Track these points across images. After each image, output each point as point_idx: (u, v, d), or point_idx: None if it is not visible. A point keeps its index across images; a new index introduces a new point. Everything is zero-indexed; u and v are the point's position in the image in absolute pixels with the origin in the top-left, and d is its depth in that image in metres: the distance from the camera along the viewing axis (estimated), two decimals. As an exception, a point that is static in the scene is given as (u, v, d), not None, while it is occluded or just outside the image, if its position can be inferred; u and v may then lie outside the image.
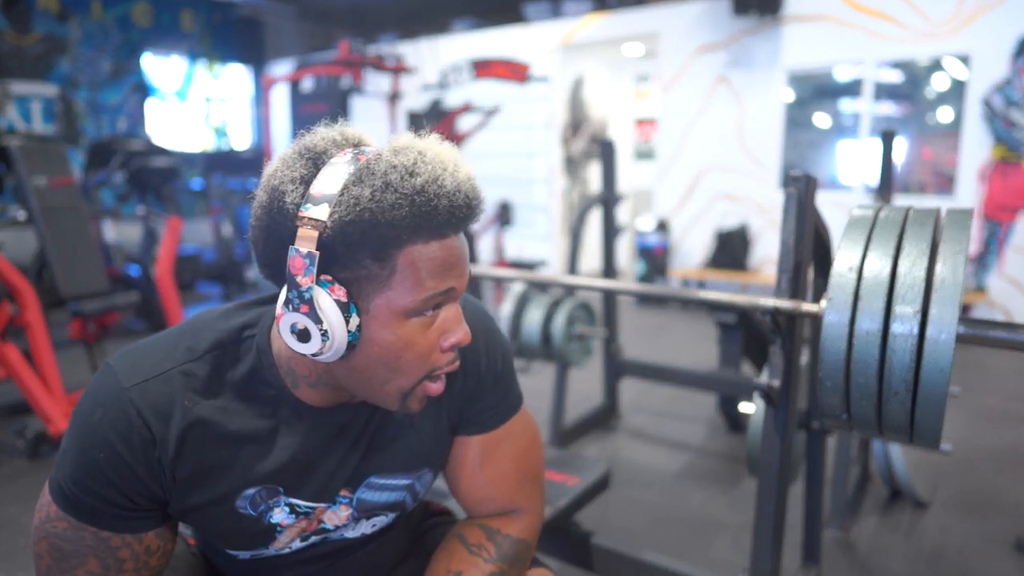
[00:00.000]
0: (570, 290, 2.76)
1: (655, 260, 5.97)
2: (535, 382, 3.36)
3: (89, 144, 6.36)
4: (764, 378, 1.30)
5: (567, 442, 2.78)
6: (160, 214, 4.37)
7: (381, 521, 0.83)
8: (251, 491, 0.72)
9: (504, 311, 2.56)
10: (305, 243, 0.61)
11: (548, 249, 6.87)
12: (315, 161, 0.64)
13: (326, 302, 0.62)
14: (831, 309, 0.94)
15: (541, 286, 2.68)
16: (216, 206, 5.98)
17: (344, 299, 0.62)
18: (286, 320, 0.64)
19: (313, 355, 0.64)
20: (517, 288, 2.60)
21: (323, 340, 0.63)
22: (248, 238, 0.67)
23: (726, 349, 2.82)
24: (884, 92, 5.15)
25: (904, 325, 0.88)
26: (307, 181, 0.63)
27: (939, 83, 4.99)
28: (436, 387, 0.70)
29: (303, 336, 0.63)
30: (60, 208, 2.94)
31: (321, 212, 0.60)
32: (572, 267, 2.81)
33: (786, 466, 1.33)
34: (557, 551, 1.77)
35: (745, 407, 1.69)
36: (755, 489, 1.37)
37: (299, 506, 0.75)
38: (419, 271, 0.63)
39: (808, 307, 1.22)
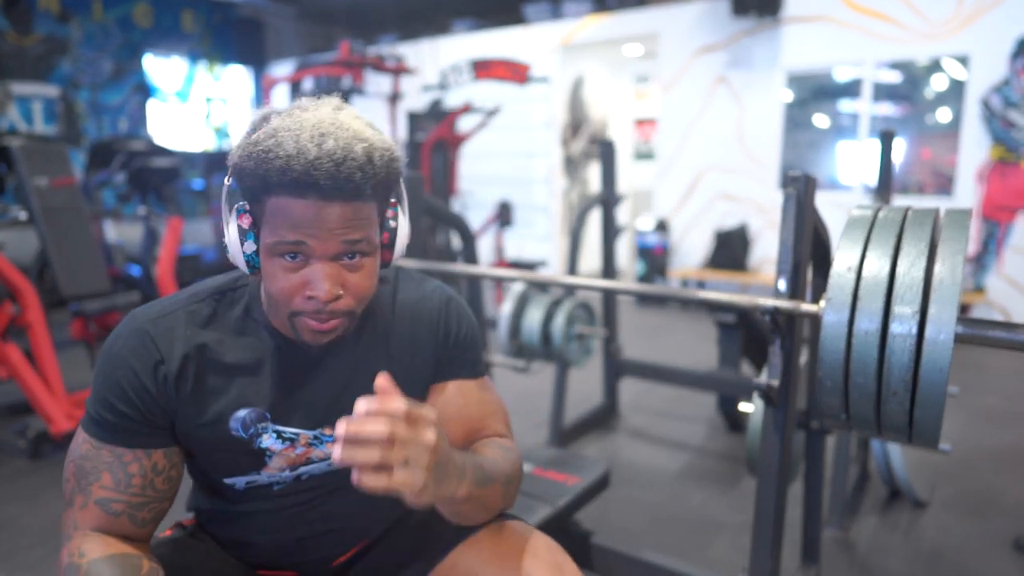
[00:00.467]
0: (570, 290, 2.77)
1: (655, 260, 5.98)
2: (535, 382, 3.37)
3: (90, 144, 6.37)
4: (764, 378, 1.31)
5: (567, 442, 2.79)
6: (161, 214, 4.38)
7: None
8: (242, 413, 0.83)
9: (504, 311, 2.57)
10: (228, 177, 0.78)
11: (548, 249, 6.88)
12: (266, 121, 0.76)
13: (231, 223, 0.77)
14: (830, 309, 0.95)
15: (541, 286, 2.69)
16: (217, 206, 5.98)
17: (246, 226, 0.76)
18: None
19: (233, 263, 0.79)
20: (517, 288, 2.61)
21: (227, 251, 0.78)
22: None
23: (726, 349, 2.83)
24: (883, 93, 5.16)
25: (903, 325, 0.88)
26: (249, 135, 0.76)
27: (938, 84, 4.99)
28: (317, 325, 0.78)
29: (226, 247, 0.79)
30: (61, 208, 2.95)
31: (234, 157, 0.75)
32: (572, 267, 2.81)
33: (785, 466, 1.34)
34: (557, 550, 1.77)
35: (745, 407, 1.70)
36: (755, 489, 1.38)
37: (284, 432, 0.85)
38: (274, 219, 0.74)
39: (807, 307, 1.22)
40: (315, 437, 0.87)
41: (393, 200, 0.82)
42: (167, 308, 0.83)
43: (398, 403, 0.65)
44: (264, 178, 0.71)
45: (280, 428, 0.85)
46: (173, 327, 0.81)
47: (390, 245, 0.82)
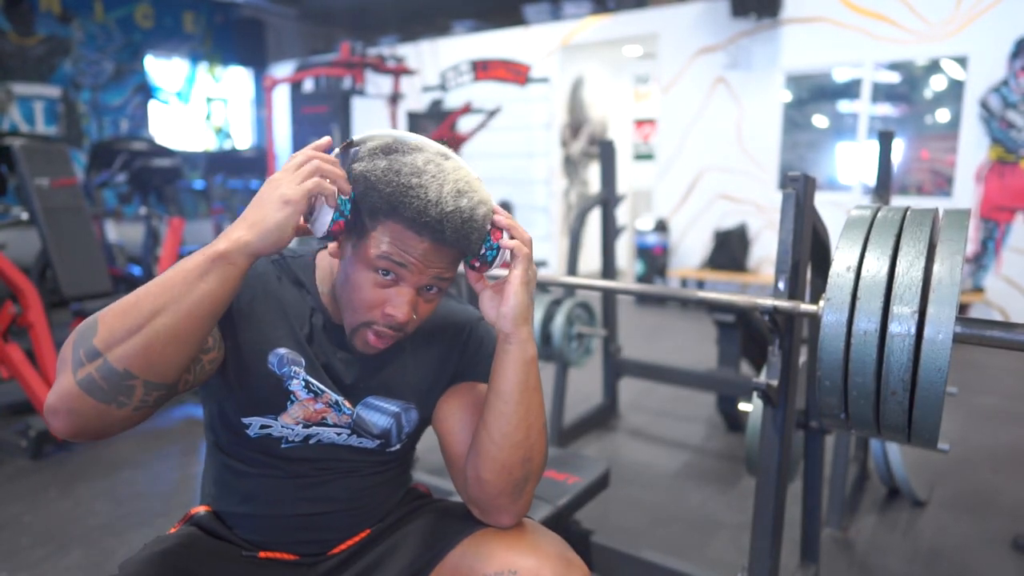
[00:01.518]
0: (570, 290, 2.78)
1: (654, 260, 5.99)
2: (535, 382, 3.37)
3: (91, 145, 6.37)
4: (763, 378, 1.31)
5: (567, 441, 2.80)
6: (162, 214, 4.38)
7: (367, 443, 0.96)
8: (282, 350, 0.89)
9: (505, 311, 2.57)
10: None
11: (548, 249, 6.89)
12: (400, 153, 0.85)
13: (326, 200, 0.80)
14: (829, 309, 0.95)
15: (541, 286, 2.69)
16: (218, 206, 5.99)
17: (347, 215, 0.81)
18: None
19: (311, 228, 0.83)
20: (518, 288, 2.61)
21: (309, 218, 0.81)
22: None
23: (725, 349, 2.84)
24: (882, 93, 5.17)
25: (902, 325, 0.89)
26: (387, 153, 0.85)
27: (937, 84, 5.00)
28: (375, 340, 0.86)
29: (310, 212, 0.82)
30: (62, 209, 2.95)
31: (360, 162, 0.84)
32: (572, 267, 2.82)
33: (785, 465, 1.34)
34: (558, 549, 1.78)
35: (744, 406, 1.71)
36: (754, 488, 1.38)
37: (312, 383, 0.90)
38: (384, 238, 0.81)
39: (806, 307, 1.23)
40: (336, 403, 0.92)
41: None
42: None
43: (513, 223, 0.86)
44: (396, 207, 0.79)
45: (310, 379, 0.90)
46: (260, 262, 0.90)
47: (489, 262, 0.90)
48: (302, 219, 0.81)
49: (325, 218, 0.80)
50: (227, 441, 0.94)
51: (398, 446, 0.98)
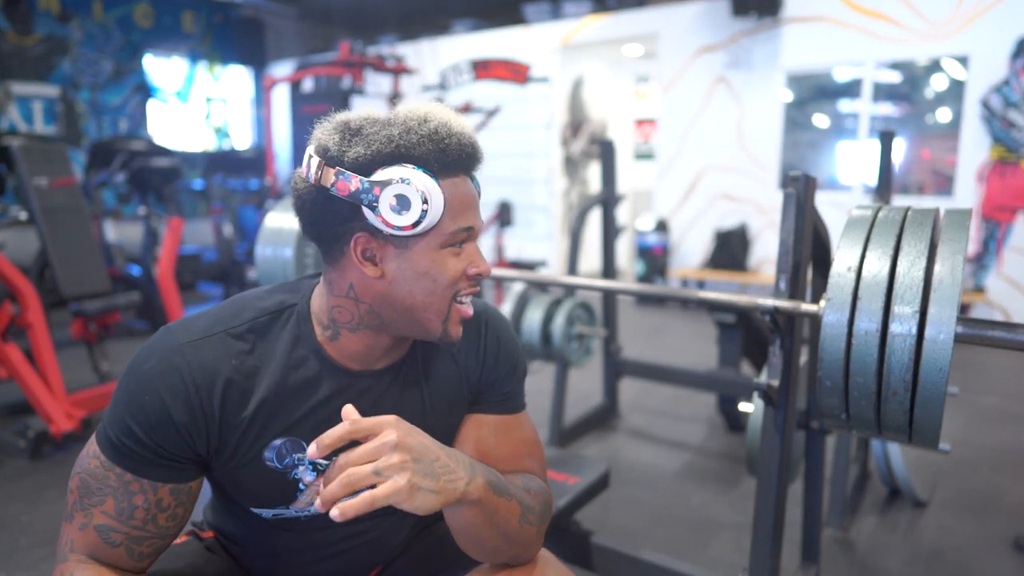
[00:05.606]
0: (570, 290, 2.77)
1: (655, 260, 5.98)
2: (535, 382, 3.36)
3: (90, 144, 6.36)
4: (763, 378, 1.31)
5: (567, 442, 2.79)
6: (161, 214, 4.38)
7: None
8: (277, 442, 0.78)
9: (504, 311, 2.57)
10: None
11: (548, 249, 6.88)
12: (372, 122, 0.77)
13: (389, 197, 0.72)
14: (830, 309, 0.95)
15: (541, 286, 2.69)
16: (217, 206, 5.98)
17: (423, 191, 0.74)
18: (387, 194, 0.71)
19: (411, 224, 0.72)
20: (517, 288, 2.61)
21: (423, 211, 0.72)
22: None
23: (725, 349, 2.83)
24: (883, 93, 5.16)
25: (903, 325, 0.88)
26: (365, 130, 0.77)
27: (938, 84, 5.00)
28: (466, 309, 0.80)
29: (403, 203, 0.72)
30: (61, 208, 2.95)
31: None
32: (572, 267, 2.81)
33: (785, 466, 1.34)
34: (557, 550, 1.77)
35: (744, 407, 1.70)
36: (754, 489, 1.38)
37: (319, 464, 0.81)
38: (448, 209, 0.75)
39: (807, 307, 1.22)
40: None
41: None
42: (206, 329, 0.77)
43: (336, 431, 0.65)
44: (440, 159, 0.74)
45: (316, 460, 0.80)
46: (212, 353, 0.75)
47: None
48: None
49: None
50: (237, 519, 0.89)
51: None
